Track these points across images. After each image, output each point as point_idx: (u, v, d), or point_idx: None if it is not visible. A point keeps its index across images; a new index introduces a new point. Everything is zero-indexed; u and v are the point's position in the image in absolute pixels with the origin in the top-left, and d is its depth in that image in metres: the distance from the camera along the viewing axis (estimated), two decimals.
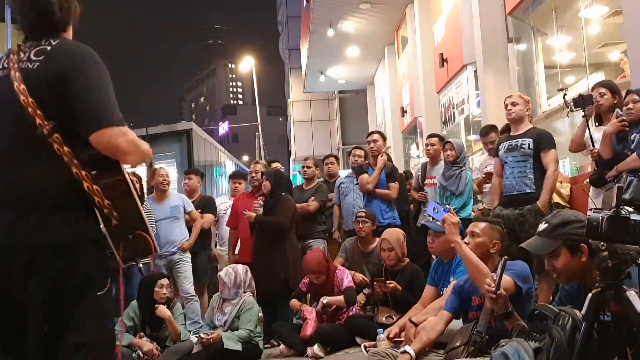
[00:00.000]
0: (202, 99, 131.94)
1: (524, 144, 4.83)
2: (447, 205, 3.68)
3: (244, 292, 5.34)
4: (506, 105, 5.01)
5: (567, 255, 2.64)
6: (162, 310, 5.11)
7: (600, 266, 2.22)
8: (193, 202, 6.81)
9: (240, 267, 5.51)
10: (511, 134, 5.01)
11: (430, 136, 6.84)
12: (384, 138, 6.74)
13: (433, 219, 3.56)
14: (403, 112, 15.44)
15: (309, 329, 5.11)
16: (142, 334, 5.12)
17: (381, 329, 4.54)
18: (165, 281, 5.27)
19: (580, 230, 2.45)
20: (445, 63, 11.28)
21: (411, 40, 13.87)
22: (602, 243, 2.23)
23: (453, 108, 11.39)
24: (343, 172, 7.77)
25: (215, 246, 7.24)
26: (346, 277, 5.31)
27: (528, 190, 4.74)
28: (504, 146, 4.98)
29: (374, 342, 4.52)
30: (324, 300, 5.21)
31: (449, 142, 6.30)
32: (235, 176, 7.71)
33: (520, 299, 3.24)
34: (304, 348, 5.08)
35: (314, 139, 27.33)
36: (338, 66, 18.80)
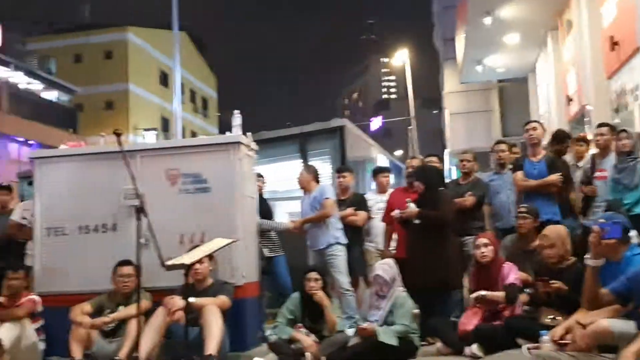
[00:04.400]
0: (355, 95, 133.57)
1: None
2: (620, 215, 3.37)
3: (396, 287, 5.32)
4: None
5: None
6: (321, 296, 5.24)
7: None
8: (345, 199, 6.89)
9: (392, 262, 5.50)
10: None
11: (600, 125, 6.38)
12: (544, 127, 6.40)
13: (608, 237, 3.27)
14: (569, 100, 14.63)
15: (469, 325, 4.99)
16: (300, 324, 5.29)
17: (544, 331, 4.30)
18: (313, 274, 5.38)
19: None
20: (616, 46, 10.47)
21: (577, 24, 13.06)
22: None
23: (626, 94, 10.56)
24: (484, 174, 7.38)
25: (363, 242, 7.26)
26: (512, 273, 5.14)
27: None
28: None
29: (537, 344, 4.30)
30: (482, 293, 5.07)
31: (624, 130, 5.82)
32: (380, 171, 7.64)
33: None
34: (461, 347, 4.95)
35: (471, 131, 26.59)
36: (496, 55, 18.15)
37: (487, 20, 14.65)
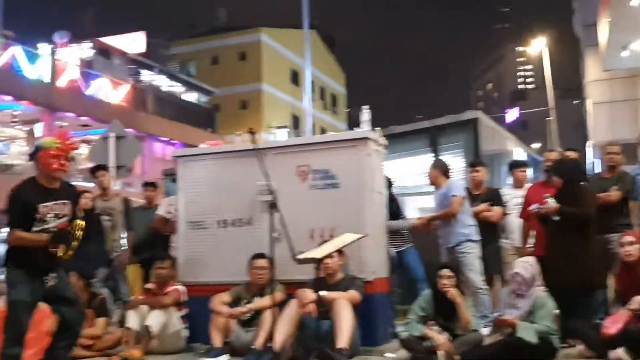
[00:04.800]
0: (489, 86, 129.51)
1: None
2: None
3: (536, 287, 5.09)
4: None
5: None
6: (454, 293, 5.14)
7: None
8: (479, 195, 6.71)
9: (532, 260, 5.27)
10: None
11: None
12: None
13: None
14: None
15: (614, 328, 4.67)
16: (433, 322, 5.21)
17: None
18: (446, 271, 5.28)
19: None
20: None
21: None
22: None
23: None
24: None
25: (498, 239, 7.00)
26: None
27: None
28: None
29: None
30: None
31: None
32: (516, 165, 7.32)
33: None
34: (605, 351, 4.66)
35: (615, 122, 24.85)
36: None
37: (635, 2, 13.61)
